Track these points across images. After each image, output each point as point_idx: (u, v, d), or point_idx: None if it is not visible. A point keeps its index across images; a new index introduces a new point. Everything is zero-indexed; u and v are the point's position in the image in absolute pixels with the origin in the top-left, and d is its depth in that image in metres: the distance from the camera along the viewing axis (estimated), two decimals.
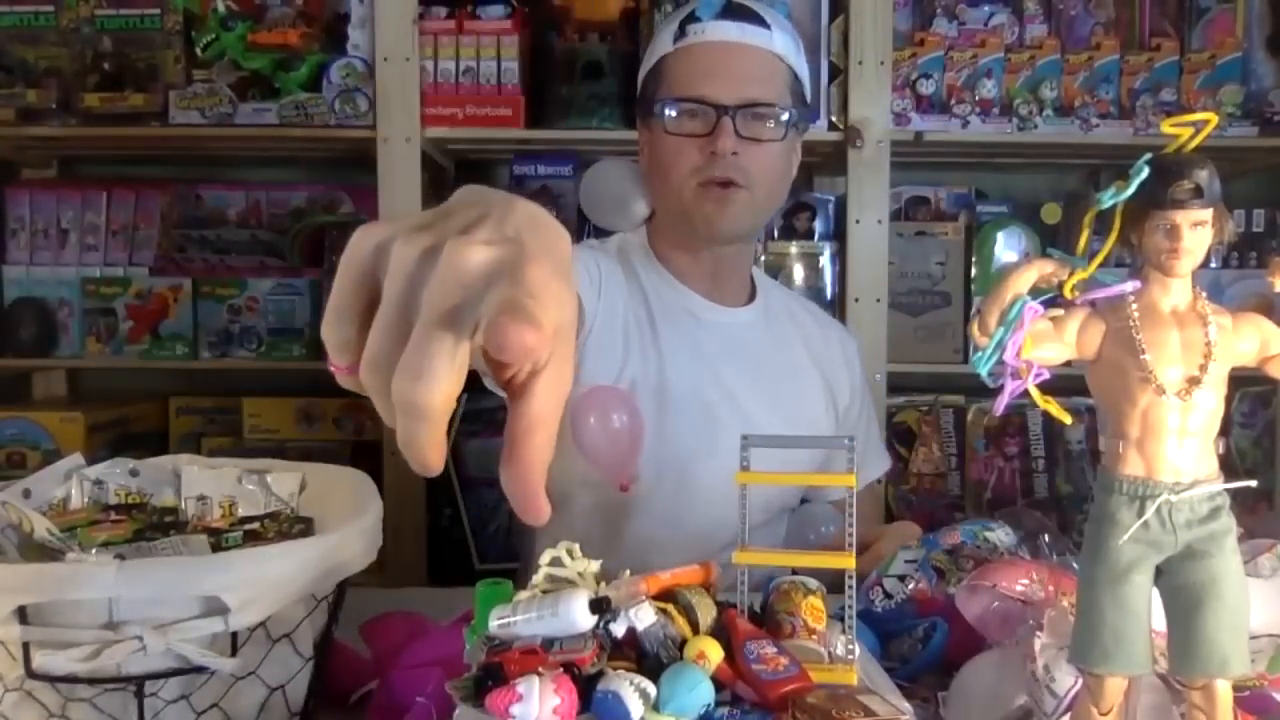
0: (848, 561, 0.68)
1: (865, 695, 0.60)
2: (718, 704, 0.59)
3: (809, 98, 1.36)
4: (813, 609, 0.69)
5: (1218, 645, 0.58)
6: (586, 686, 0.58)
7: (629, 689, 0.57)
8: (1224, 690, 0.59)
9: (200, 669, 0.69)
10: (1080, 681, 0.64)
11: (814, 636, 0.68)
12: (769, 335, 1.39)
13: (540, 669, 0.59)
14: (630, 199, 1.37)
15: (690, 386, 1.30)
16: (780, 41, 1.28)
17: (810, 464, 1.30)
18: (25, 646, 0.66)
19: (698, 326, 1.34)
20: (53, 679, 0.68)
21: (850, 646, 0.67)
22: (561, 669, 0.59)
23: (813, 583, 0.73)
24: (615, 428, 1.14)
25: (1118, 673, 0.60)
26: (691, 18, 1.27)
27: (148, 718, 0.69)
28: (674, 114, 1.26)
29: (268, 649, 0.73)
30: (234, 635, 0.70)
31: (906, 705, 0.62)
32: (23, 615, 0.66)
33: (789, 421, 1.32)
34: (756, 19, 1.27)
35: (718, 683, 0.60)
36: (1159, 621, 0.60)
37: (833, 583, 0.73)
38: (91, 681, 0.68)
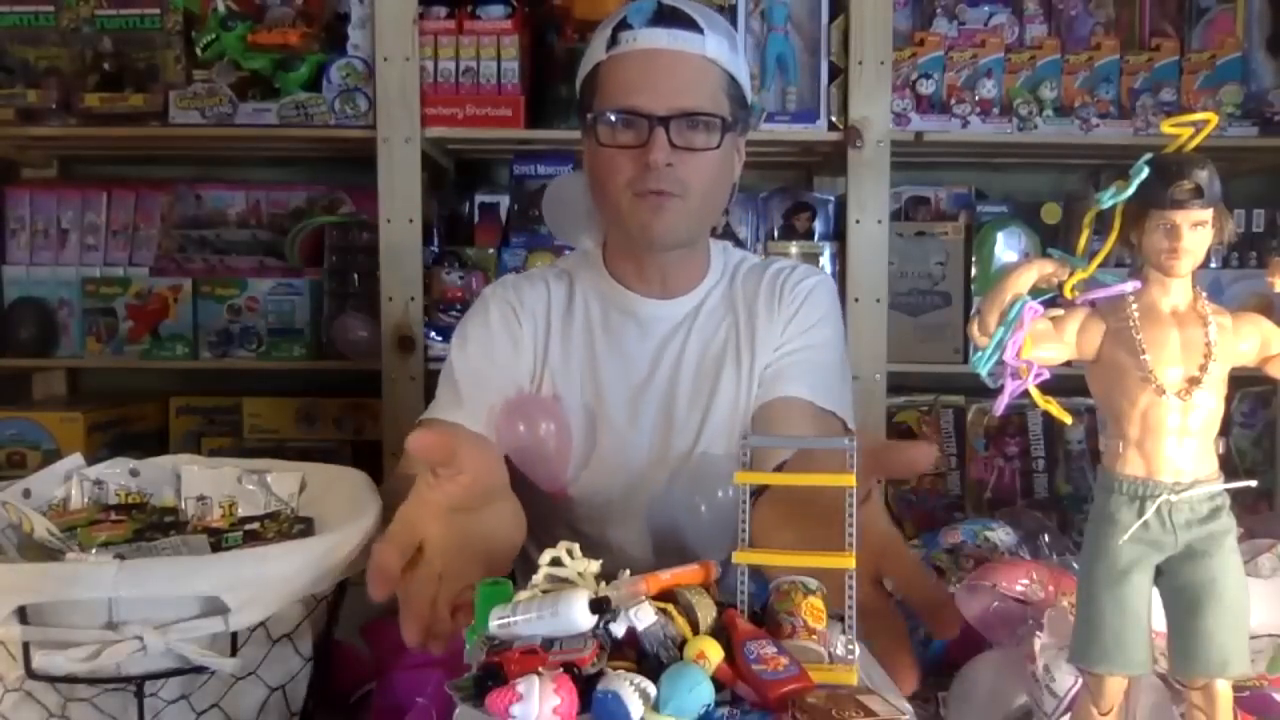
0: (848, 561, 0.67)
1: (865, 695, 0.60)
2: (718, 704, 0.59)
3: (749, 97, 1.32)
4: (812, 609, 0.69)
5: (1218, 645, 0.58)
6: (586, 686, 0.58)
7: (629, 689, 0.57)
8: (1224, 690, 0.59)
9: (200, 669, 0.69)
10: (1080, 681, 0.64)
11: (814, 636, 0.68)
12: (701, 321, 1.34)
13: (540, 669, 0.59)
14: (589, 213, 1.37)
15: (620, 391, 1.30)
16: (713, 45, 1.24)
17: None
18: (25, 646, 0.66)
19: (636, 327, 1.33)
20: (53, 679, 0.68)
21: (850, 647, 0.67)
22: (561, 669, 0.59)
23: (812, 583, 0.72)
24: (540, 435, 1.17)
25: (1118, 673, 0.60)
26: (623, 25, 1.24)
27: (148, 718, 0.69)
28: (607, 126, 1.24)
29: (268, 649, 0.73)
30: (234, 635, 0.70)
31: (907, 705, 0.61)
32: (23, 615, 0.66)
33: (705, 412, 1.30)
34: (689, 24, 1.24)
35: (718, 683, 0.60)
36: (1159, 621, 0.60)
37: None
38: (91, 681, 0.68)
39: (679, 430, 1.29)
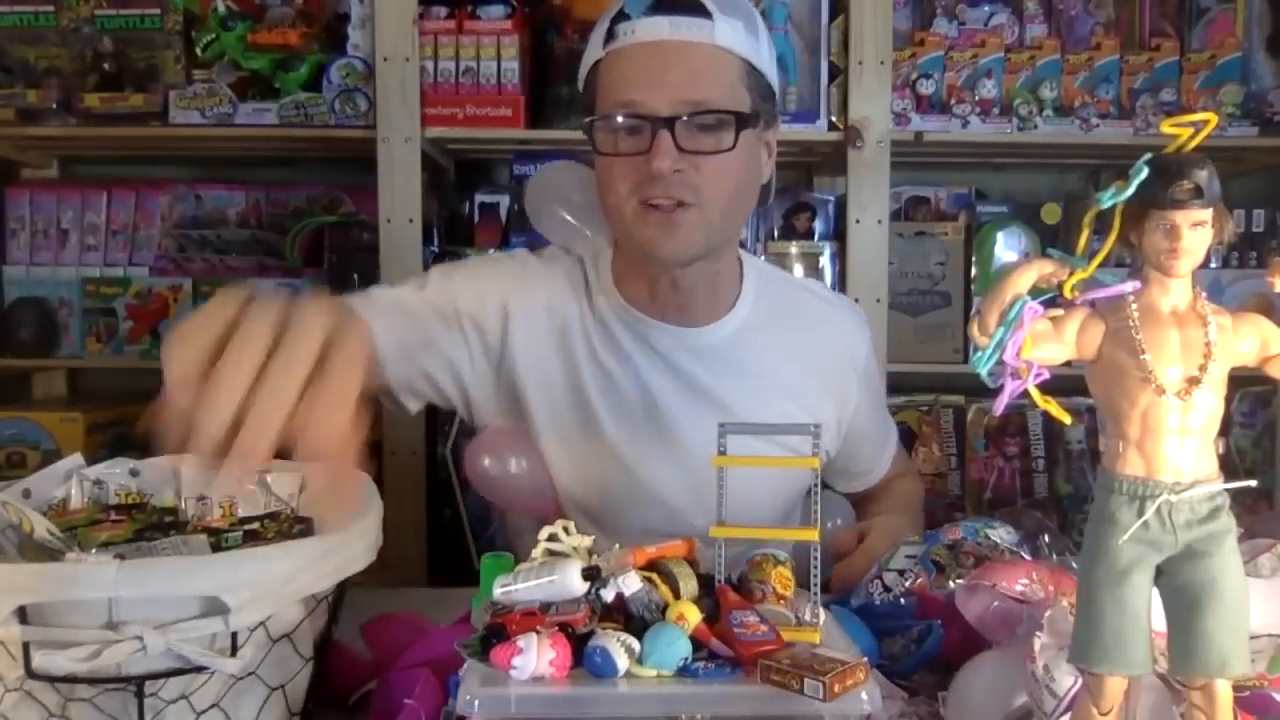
0: (811, 535, 0.76)
1: (823, 649, 0.69)
2: (694, 659, 0.68)
3: (775, 86, 1.15)
4: (781, 578, 0.78)
5: (1218, 645, 0.58)
6: (579, 643, 0.67)
7: (616, 645, 0.66)
8: (1224, 690, 0.59)
9: (200, 669, 0.69)
10: (1080, 681, 0.64)
11: (782, 601, 0.77)
12: (739, 352, 1.22)
13: (539, 628, 0.67)
14: (584, 209, 1.26)
15: (628, 418, 1.20)
16: (726, 31, 1.08)
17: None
18: (25, 646, 0.66)
19: (652, 357, 1.20)
20: (53, 679, 0.68)
21: (815, 611, 0.75)
22: (557, 628, 0.67)
23: (782, 555, 0.81)
24: (512, 471, 1.12)
25: (1118, 673, 0.60)
26: (620, 16, 1.10)
27: (148, 718, 0.69)
28: (605, 131, 1.10)
29: (268, 649, 0.73)
30: (234, 635, 0.70)
31: (863, 659, 0.67)
32: (23, 615, 0.66)
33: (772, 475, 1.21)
34: (694, 8, 1.08)
35: (696, 642, 0.68)
36: (1159, 621, 0.60)
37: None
38: (91, 681, 0.68)
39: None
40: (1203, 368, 0.58)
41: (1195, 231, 0.58)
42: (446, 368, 1.19)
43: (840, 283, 2.02)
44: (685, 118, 1.07)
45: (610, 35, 1.11)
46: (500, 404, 1.22)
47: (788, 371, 1.24)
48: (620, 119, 1.09)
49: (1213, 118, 0.58)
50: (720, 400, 1.20)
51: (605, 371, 1.20)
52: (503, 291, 1.21)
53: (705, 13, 1.08)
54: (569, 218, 1.32)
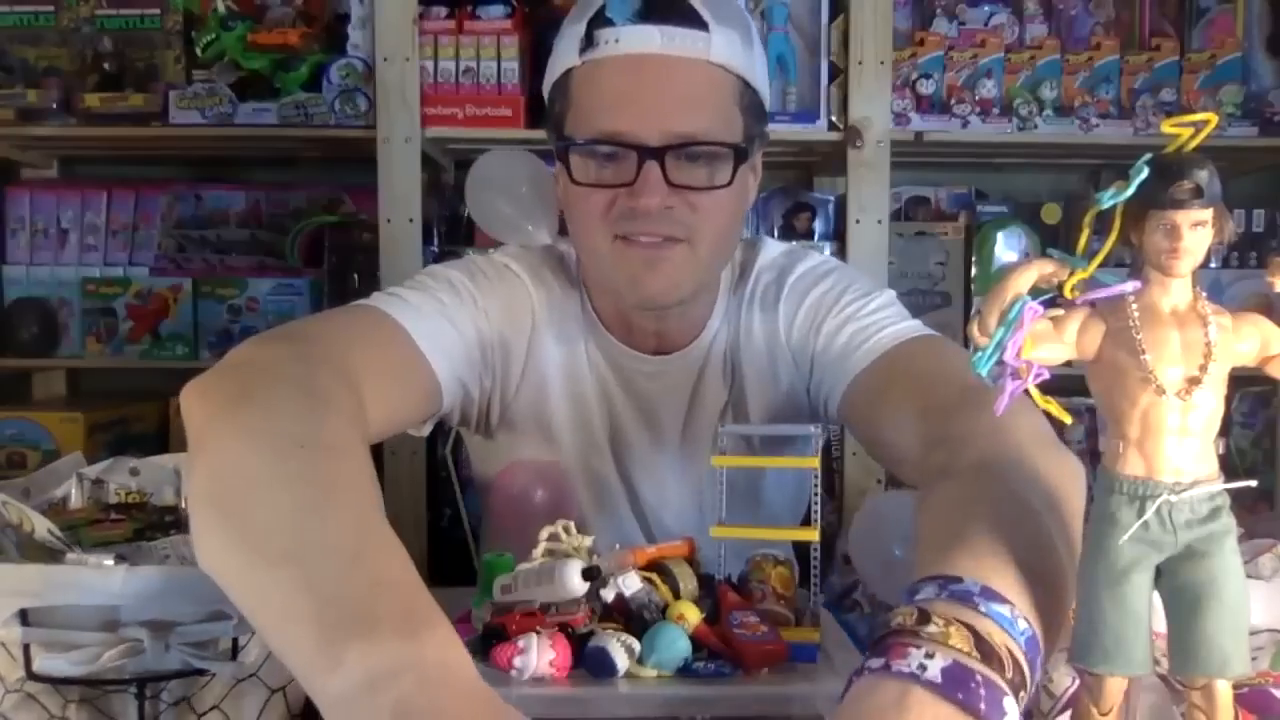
0: (811, 535, 0.77)
1: None
2: (695, 659, 0.68)
3: (767, 102, 1.04)
4: (781, 578, 0.79)
5: (1218, 645, 0.58)
6: (579, 644, 0.68)
7: (616, 645, 0.67)
8: (1224, 690, 0.59)
9: (201, 671, 0.69)
10: (1077, 682, 0.64)
11: (782, 601, 0.77)
12: (701, 379, 1.11)
13: (539, 628, 0.68)
14: (534, 202, 1.13)
15: (594, 453, 1.12)
16: (723, 46, 0.95)
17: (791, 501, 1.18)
18: (26, 648, 0.66)
19: (622, 384, 1.10)
20: (53, 681, 0.68)
21: (816, 611, 0.76)
22: (557, 628, 0.68)
23: (782, 555, 0.81)
24: (536, 502, 1.07)
25: (1117, 673, 0.60)
26: (601, 19, 0.96)
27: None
28: (583, 157, 0.98)
29: (268, 651, 0.73)
30: (235, 638, 0.70)
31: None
32: (24, 617, 0.66)
33: (697, 480, 1.11)
34: (688, 17, 0.94)
35: (696, 642, 0.69)
36: (1159, 621, 0.60)
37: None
38: (92, 683, 0.68)
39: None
40: (1203, 368, 0.58)
41: (1195, 231, 0.58)
42: (478, 388, 1.08)
43: None
44: (676, 148, 0.95)
45: (589, 41, 0.97)
46: (519, 426, 1.12)
47: (721, 408, 1.12)
48: (602, 147, 0.97)
49: (1213, 118, 0.58)
50: (684, 431, 1.12)
51: (590, 398, 1.12)
52: (529, 316, 1.09)
53: (701, 23, 0.95)
54: (514, 214, 1.20)
